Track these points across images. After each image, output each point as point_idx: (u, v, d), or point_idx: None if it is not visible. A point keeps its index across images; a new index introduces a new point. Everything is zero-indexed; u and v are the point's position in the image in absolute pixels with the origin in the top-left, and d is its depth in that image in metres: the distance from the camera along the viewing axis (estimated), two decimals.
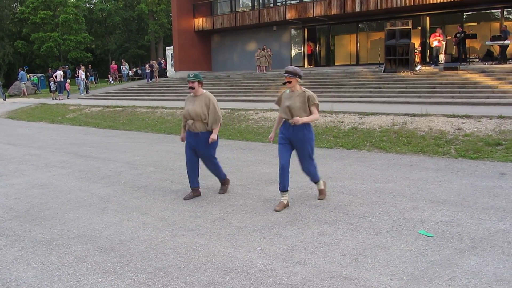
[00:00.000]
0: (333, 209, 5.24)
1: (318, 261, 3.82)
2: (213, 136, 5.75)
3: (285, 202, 5.39)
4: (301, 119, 5.09)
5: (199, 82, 5.80)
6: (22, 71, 31.27)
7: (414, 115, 10.55)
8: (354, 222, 4.79)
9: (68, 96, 25.28)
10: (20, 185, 7.07)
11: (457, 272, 3.53)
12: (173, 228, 4.82)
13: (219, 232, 4.63)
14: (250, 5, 27.96)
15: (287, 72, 5.28)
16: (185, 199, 5.89)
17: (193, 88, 5.76)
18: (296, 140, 5.37)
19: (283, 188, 5.38)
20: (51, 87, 26.32)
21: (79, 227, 4.96)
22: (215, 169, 6.08)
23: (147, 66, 30.85)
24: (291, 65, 26.50)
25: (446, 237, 4.26)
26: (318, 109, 5.30)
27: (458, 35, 19.00)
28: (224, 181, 6.26)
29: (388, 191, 5.92)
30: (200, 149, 5.86)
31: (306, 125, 5.30)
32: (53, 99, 24.95)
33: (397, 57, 18.10)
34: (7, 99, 28.30)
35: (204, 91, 5.88)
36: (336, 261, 3.80)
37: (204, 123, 5.78)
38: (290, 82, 5.28)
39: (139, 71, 38.00)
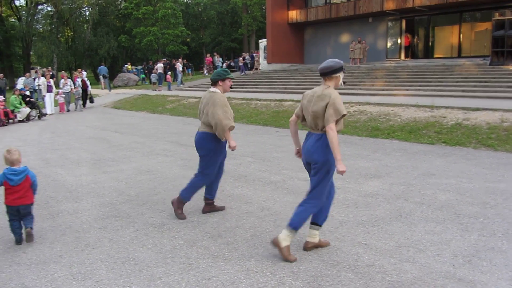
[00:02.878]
0: (439, 208, 5.03)
1: (428, 260, 3.69)
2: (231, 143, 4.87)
3: (315, 242, 4.07)
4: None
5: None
6: (102, 66, 33.05)
7: None
8: (464, 222, 4.56)
9: (169, 87, 26.47)
10: (129, 170, 7.54)
11: None
12: (276, 218, 4.89)
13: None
14: None
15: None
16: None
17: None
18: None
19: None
20: (152, 79, 27.75)
21: (186, 212, 5.19)
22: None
23: (240, 59, 31.48)
24: (386, 57, 25.77)
25: None
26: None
27: None
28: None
29: (500, 192, 5.56)
30: (199, 151, 5.11)
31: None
32: (153, 90, 26.28)
33: (505, 49, 16.87)
34: (112, 90, 30.25)
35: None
36: (447, 261, 3.66)
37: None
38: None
39: (232, 64, 38.85)
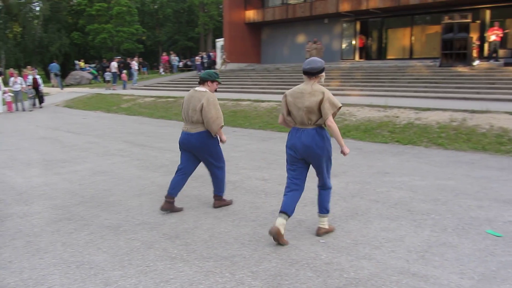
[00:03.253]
0: (394, 205, 5.17)
1: (383, 257, 3.78)
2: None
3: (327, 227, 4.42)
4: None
5: None
6: (53, 63, 32.12)
7: (473, 111, 10.21)
8: (417, 218, 4.70)
9: (124, 86, 25.94)
10: (83, 171, 7.35)
11: None
12: (234, 218, 4.88)
13: None
14: None
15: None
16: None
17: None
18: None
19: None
20: (106, 78, 27.17)
21: (143, 214, 5.11)
22: None
23: (197, 58, 31.27)
24: (341, 58, 26.24)
25: None
26: None
27: None
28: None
29: (450, 189, 5.77)
30: (193, 150, 5.27)
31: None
32: (106, 89, 25.72)
33: (454, 51, 17.54)
34: (64, 89, 29.38)
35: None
36: (402, 257, 3.76)
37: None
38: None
39: (189, 63, 38.55)
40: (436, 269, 3.53)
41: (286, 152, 4.29)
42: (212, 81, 5.12)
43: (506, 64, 16.50)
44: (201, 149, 5.04)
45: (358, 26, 25.88)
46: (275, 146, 9.17)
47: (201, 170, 7.16)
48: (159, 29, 59.59)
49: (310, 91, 4.01)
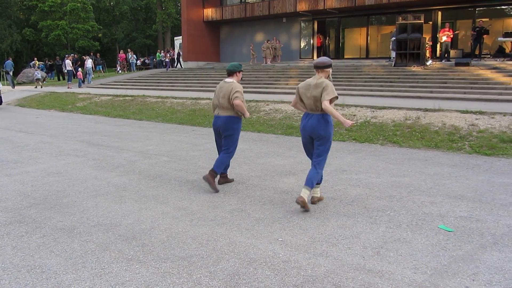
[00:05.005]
0: (350, 202, 5.25)
1: (340, 254, 3.83)
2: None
3: (318, 196, 5.29)
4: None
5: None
6: (8, 60, 30.99)
7: (426, 110, 10.51)
8: (373, 215, 4.79)
9: (79, 85, 25.27)
10: (35, 172, 7.11)
11: (480, 267, 3.54)
12: (192, 218, 4.84)
13: (238, 222, 4.65)
14: None
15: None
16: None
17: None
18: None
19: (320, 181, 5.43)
20: (36, 76, 26.75)
21: (98, 215, 4.99)
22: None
23: (167, 54, 30.68)
24: (300, 57, 26.50)
25: (466, 233, 4.26)
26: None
27: (478, 29, 18.69)
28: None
29: (404, 185, 5.92)
30: (221, 131, 6.09)
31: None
32: (35, 87, 25.00)
33: (408, 51, 18.01)
34: (16, 87, 28.35)
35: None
36: (358, 254, 3.82)
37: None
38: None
39: (147, 61, 37.97)
40: (390, 265, 3.61)
41: (301, 135, 5.25)
42: (239, 72, 5.98)
43: (457, 64, 17.09)
44: (224, 129, 5.88)
45: (316, 25, 26.21)
46: None
47: (159, 169, 7.07)
48: (115, 27, 58.41)
49: (316, 83, 4.91)
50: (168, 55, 30.51)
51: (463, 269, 3.52)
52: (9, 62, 29.92)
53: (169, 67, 29.29)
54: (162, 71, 28.43)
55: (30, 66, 34.78)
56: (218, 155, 6.13)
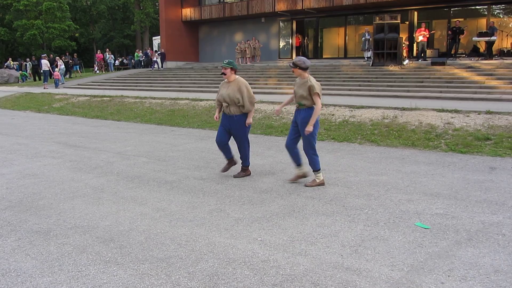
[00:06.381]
0: (329, 201, 5.29)
1: (318, 252, 3.86)
2: (249, 120, 6.34)
3: (300, 174, 6.17)
4: (309, 126, 5.76)
5: (232, 68, 6.22)
6: None
7: (403, 109, 10.65)
8: (351, 214, 4.84)
9: (56, 85, 24.87)
10: (10, 174, 6.98)
11: (456, 263, 3.60)
12: (171, 218, 4.81)
13: (217, 223, 4.64)
14: None
15: (291, 62, 5.91)
16: (222, 171, 6.66)
17: (225, 74, 6.21)
18: (300, 124, 5.89)
19: (295, 163, 6.18)
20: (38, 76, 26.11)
21: (75, 217, 4.93)
22: (244, 151, 6.50)
23: (156, 54, 29.88)
24: (279, 57, 26.57)
25: (442, 229, 4.33)
26: (319, 97, 5.73)
27: (454, 29, 18.99)
28: (245, 168, 6.60)
29: (382, 184, 5.99)
30: (234, 131, 6.35)
31: (309, 109, 5.77)
32: (41, 88, 24.59)
33: (385, 51, 18.23)
34: None
35: (237, 77, 6.30)
36: (336, 252, 3.85)
37: (238, 107, 6.22)
38: (293, 72, 5.88)
39: (125, 61, 37.60)
40: (368, 262, 3.65)
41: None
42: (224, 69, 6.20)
43: (433, 64, 17.36)
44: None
45: (294, 25, 26.32)
46: (213, 145, 9.12)
47: (138, 170, 7.01)
48: (93, 26, 57.74)
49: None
50: (157, 54, 29.71)
51: (439, 265, 3.58)
52: None
53: (154, 67, 28.73)
54: (141, 71, 28.20)
55: (8, 66, 34.12)
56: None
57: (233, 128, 6.33)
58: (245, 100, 6.18)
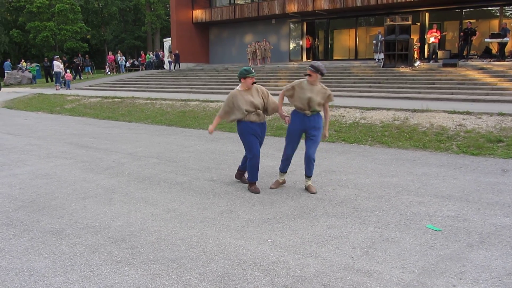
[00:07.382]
0: (339, 203, 5.28)
1: (329, 254, 3.85)
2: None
3: (281, 181, 6.10)
4: (327, 131, 5.96)
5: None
6: (6, 62, 30.74)
7: (415, 110, 10.60)
8: (362, 215, 4.83)
9: (68, 86, 25.03)
10: (23, 175, 7.05)
11: (467, 266, 3.58)
12: (182, 219, 4.84)
13: (228, 224, 4.66)
14: None
15: (311, 66, 5.57)
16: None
17: (255, 83, 5.87)
18: (312, 129, 5.71)
19: (283, 170, 6.04)
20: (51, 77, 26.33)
21: (87, 217, 4.97)
22: None
23: (172, 54, 29.79)
24: (289, 58, 26.56)
25: (453, 232, 4.31)
26: None
27: (466, 30, 18.87)
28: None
29: (393, 186, 5.96)
30: (263, 137, 6.08)
31: (318, 114, 5.77)
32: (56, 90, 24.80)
33: (396, 52, 18.15)
34: (2, 89, 28.11)
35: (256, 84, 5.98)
36: (347, 254, 3.84)
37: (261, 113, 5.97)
38: (310, 76, 5.56)
39: (136, 62, 37.82)
40: (379, 265, 3.64)
41: None
42: (244, 78, 5.72)
43: (444, 65, 17.24)
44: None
45: (305, 27, 26.31)
46: (224, 146, 9.16)
47: (149, 171, 7.05)
48: (104, 28, 58.15)
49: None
50: (173, 55, 29.60)
51: (450, 268, 3.56)
52: (8, 63, 29.73)
53: (171, 68, 28.60)
54: (152, 73, 28.34)
55: (21, 68, 34.49)
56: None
57: (263, 134, 6.07)
58: (271, 105, 6.02)
